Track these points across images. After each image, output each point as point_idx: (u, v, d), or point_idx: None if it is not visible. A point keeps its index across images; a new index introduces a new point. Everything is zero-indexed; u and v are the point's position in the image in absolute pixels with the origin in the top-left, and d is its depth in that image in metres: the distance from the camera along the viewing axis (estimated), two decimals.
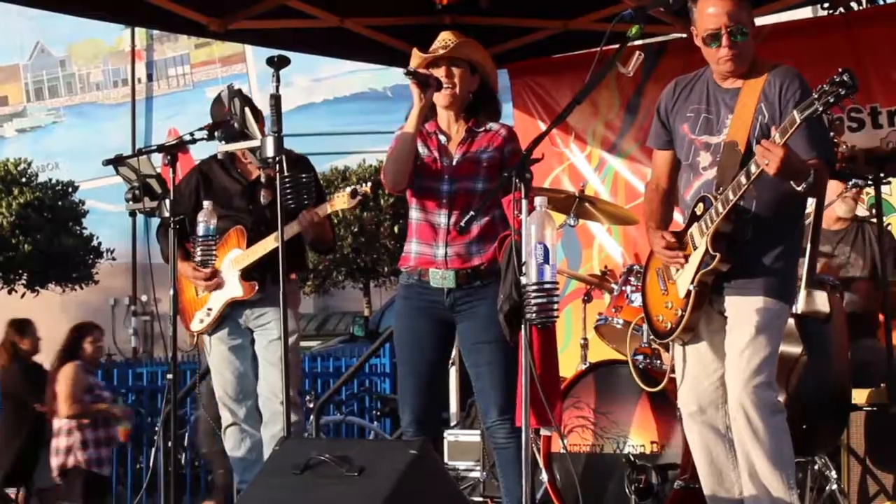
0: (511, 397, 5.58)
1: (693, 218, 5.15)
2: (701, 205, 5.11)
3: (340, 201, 6.77)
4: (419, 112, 5.69)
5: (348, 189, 6.79)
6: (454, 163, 5.76)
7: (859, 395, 6.43)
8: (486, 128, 5.80)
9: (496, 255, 5.63)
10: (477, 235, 5.67)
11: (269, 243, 6.73)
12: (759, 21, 8.39)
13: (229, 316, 6.95)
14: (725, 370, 5.13)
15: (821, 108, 4.70)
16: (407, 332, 5.86)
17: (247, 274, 6.87)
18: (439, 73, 5.77)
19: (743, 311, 5.10)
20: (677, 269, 5.20)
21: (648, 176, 8.33)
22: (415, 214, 5.84)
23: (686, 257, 5.16)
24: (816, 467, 6.30)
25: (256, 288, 6.85)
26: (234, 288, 6.90)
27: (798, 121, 4.75)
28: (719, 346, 5.19)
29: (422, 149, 5.83)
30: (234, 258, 6.89)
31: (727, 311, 5.16)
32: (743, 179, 4.96)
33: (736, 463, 5.20)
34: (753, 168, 4.90)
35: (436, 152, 5.81)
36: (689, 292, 5.13)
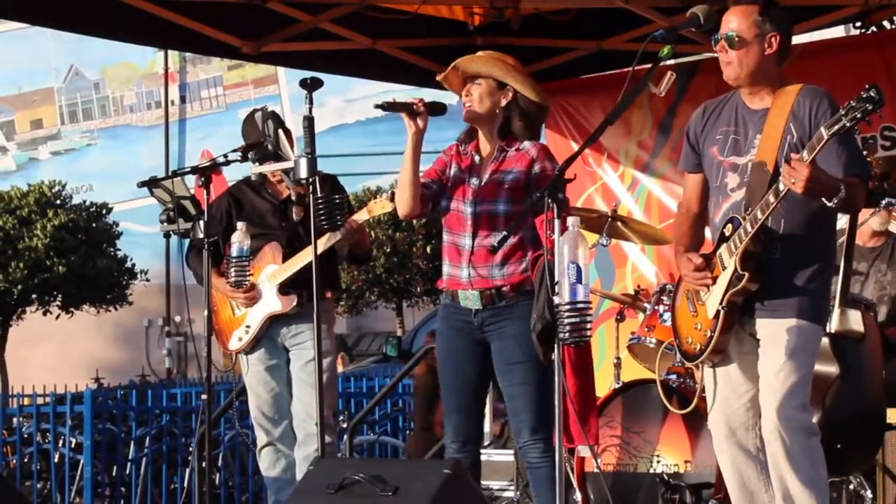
0: (543, 417, 5.59)
1: (722, 239, 5.14)
2: (730, 225, 5.11)
3: (379, 206, 6.79)
4: (410, 139, 5.71)
5: (386, 194, 6.83)
6: (480, 184, 5.78)
7: (894, 415, 6.41)
8: (517, 147, 5.80)
9: (523, 275, 5.64)
10: (501, 257, 5.68)
11: (304, 256, 6.76)
12: (794, 40, 8.42)
13: (266, 335, 6.98)
14: (760, 393, 5.11)
15: (848, 124, 4.70)
16: (445, 352, 5.89)
17: (284, 288, 6.90)
18: (464, 90, 5.82)
19: (775, 333, 5.07)
20: (706, 291, 5.19)
21: (682, 196, 8.35)
22: (445, 236, 5.87)
23: (714, 279, 5.15)
24: (851, 487, 6.28)
25: (295, 302, 6.88)
26: (272, 303, 6.93)
27: (825, 137, 4.75)
28: (749, 368, 5.17)
29: (454, 170, 5.86)
30: (271, 273, 6.93)
31: (759, 333, 5.13)
32: (771, 198, 4.95)
33: (768, 485, 5.17)
34: (782, 186, 4.89)
35: (465, 173, 5.83)
36: (718, 313, 5.10)
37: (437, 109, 5.76)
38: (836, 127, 4.72)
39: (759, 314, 5.12)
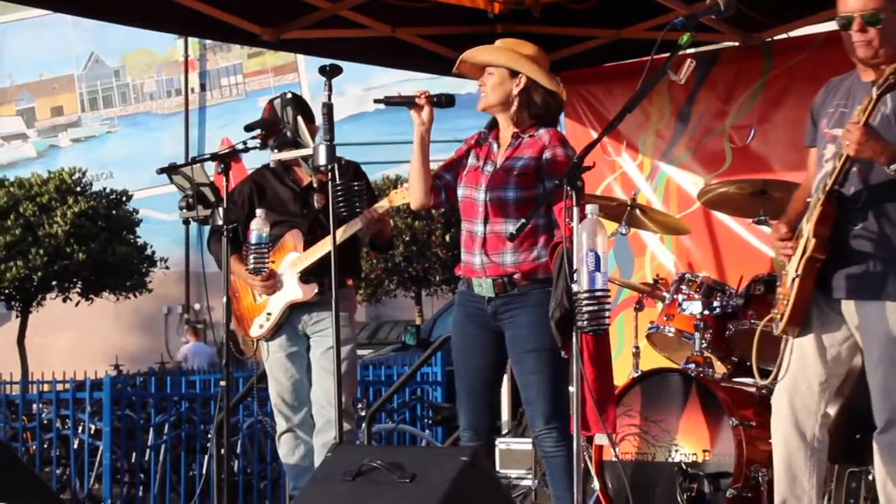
0: (557, 406, 5.58)
1: (807, 208, 5.08)
2: (814, 195, 5.07)
3: (400, 196, 6.77)
4: (415, 132, 5.73)
5: (406, 183, 6.82)
6: (494, 171, 5.77)
7: None
8: (531, 133, 5.79)
9: (534, 262, 5.64)
10: (514, 245, 5.67)
11: (326, 245, 6.74)
12: (815, 29, 8.38)
13: (287, 321, 6.99)
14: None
15: (893, 80, 4.66)
16: (459, 339, 5.89)
17: (305, 276, 6.91)
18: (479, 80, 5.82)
19: (866, 320, 4.97)
20: (790, 261, 5.11)
21: (701, 185, 8.32)
22: (462, 224, 5.88)
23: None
24: (871, 477, 6.25)
25: (316, 290, 6.88)
26: (293, 290, 6.94)
27: (874, 97, 4.72)
28: (827, 352, 5.08)
29: (471, 158, 5.86)
30: (292, 261, 6.93)
31: (846, 317, 5.03)
32: (836, 163, 4.89)
33: (813, 472, 5.11)
34: (843, 151, 4.83)
35: (481, 161, 5.83)
36: (794, 280, 5.02)
37: (444, 102, 5.75)
38: (884, 86, 4.70)
39: (846, 294, 5.02)
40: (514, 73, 5.76)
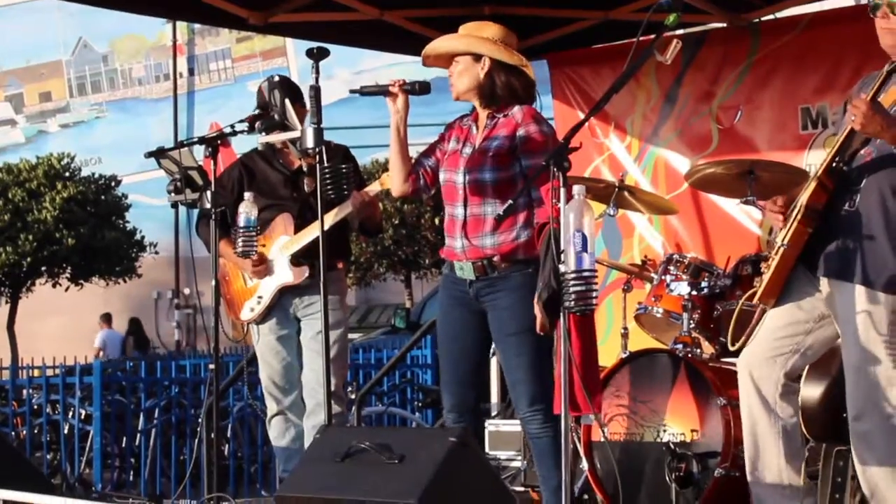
0: (541, 388, 5.59)
1: None
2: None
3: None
4: (392, 121, 5.81)
5: None
6: (472, 153, 5.78)
7: None
8: (506, 113, 5.77)
9: (514, 243, 5.64)
10: (493, 227, 5.67)
11: (316, 228, 6.75)
12: (802, 10, 8.39)
13: (278, 304, 7.00)
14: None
15: None
16: (443, 321, 5.90)
17: (296, 259, 6.91)
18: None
19: (843, 305, 4.93)
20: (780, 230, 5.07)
21: (688, 166, 8.33)
22: (445, 208, 5.89)
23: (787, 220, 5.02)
24: None
25: (307, 273, 6.89)
26: (284, 274, 6.95)
27: (884, 73, 4.70)
28: (798, 326, 5.07)
29: (451, 143, 5.87)
30: (283, 244, 6.94)
31: (825, 294, 5.00)
32: (839, 136, 4.86)
33: (779, 438, 5.10)
34: (848, 125, 4.80)
35: (460, 144, 5.84)
36: (778, 249, 5.00)
37: (419, 89, 5.80)
38: (894, 63, 4.68)
39: (824, 271, 4.98)
40: (477, 58, 5.77)
